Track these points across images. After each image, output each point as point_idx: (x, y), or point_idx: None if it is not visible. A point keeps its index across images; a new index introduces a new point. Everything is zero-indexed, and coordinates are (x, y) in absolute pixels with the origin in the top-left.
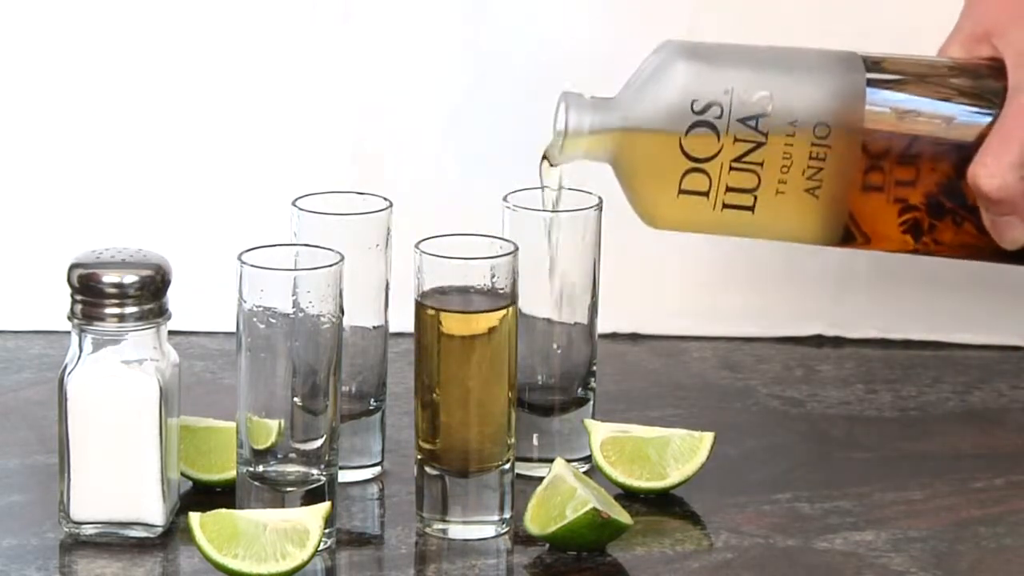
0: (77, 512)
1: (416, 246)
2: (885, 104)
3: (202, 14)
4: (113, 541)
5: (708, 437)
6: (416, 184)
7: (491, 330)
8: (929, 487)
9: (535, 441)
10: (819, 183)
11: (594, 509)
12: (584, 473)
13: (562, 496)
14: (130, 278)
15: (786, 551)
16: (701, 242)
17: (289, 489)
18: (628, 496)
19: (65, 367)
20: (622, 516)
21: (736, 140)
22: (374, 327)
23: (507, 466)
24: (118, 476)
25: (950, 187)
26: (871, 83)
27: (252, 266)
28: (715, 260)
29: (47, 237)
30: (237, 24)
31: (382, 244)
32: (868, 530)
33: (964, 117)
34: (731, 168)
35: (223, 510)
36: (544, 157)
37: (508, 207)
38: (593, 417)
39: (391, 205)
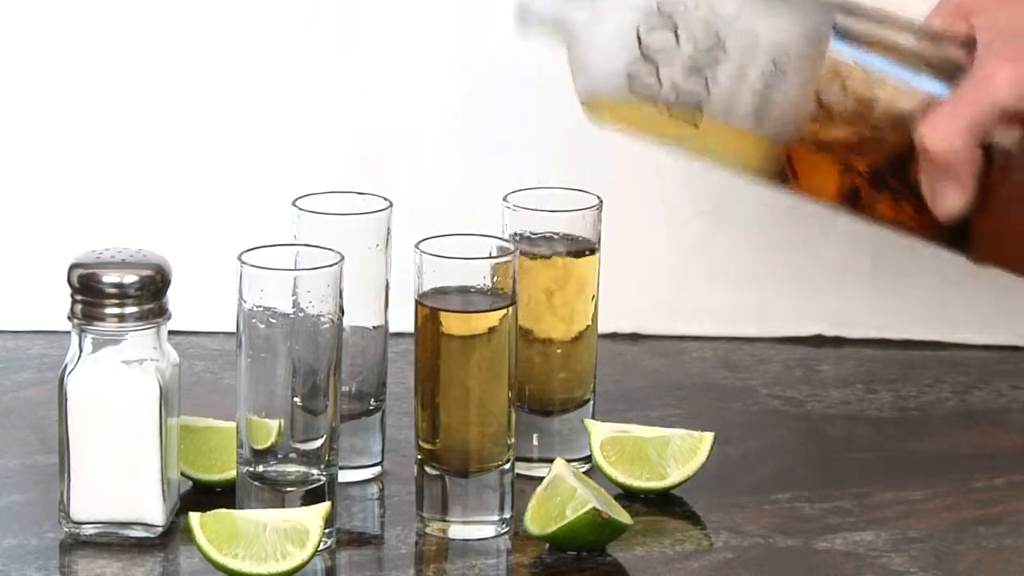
0: (77, 512)
1: (416, 246)
2: (847, 54)
3: (202, 14)
4: (113, 541)
5: (708, 437)
6: (416, 184)
7: (491, 330)
8: (929, 487)
9: (535, 441)
10: (768, 110)
11: (594, 509)
12: (584, 473)
13: (562, 496)
14: (130, 278)
15: (786, 551)
16: (701, 242)
17: (289, 489)
18: (628, 496)
19: (65, 367)
20: (622, 516)
21: (697, 47)
22: (374, 327)
23: (507, 466)
24: (118, 476)
25: (896, 162)
26: (839, 31)
27: (252, 266)
28: (715, 260)
29: (47, 237)
30: (237, 24)
31: (382, 244)
32: (868, 530)
33: (924, 88)
34: (685, 72)
35: (223, 510)
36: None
37: (508, 207)
38: (593, 417)
39: (391, 205)
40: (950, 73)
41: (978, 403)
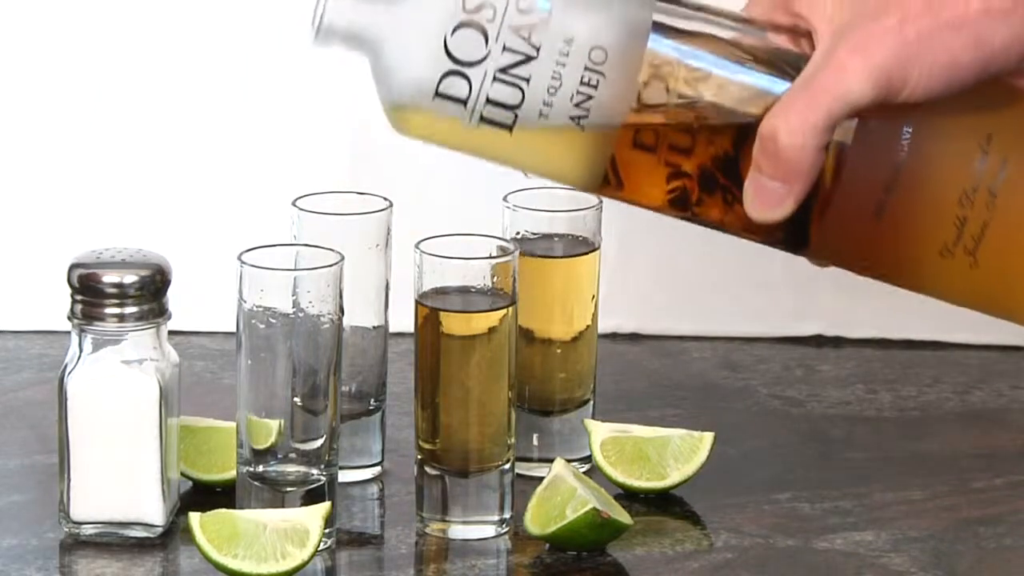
0: (77, 512)
1: (416, 246)
2: (668, 51)
3: (201, 15)
4: (113, 541)
5: (708, 437)
6: (416, 184)
7: (491, 330)
8: (929, 487)
9: (535, 441)
10: (586, 112)
11: (594, 509)
12: (584, 473)
13: (562, 496)
14: (130, 278)
15: (786, 551)
16: (701, 242)
17: (289, 489)
18: (628, 496)
19: (65, 367)
20: (622, 516)
21: (505, 48)
22: (374, 327)
23: (507, 466)
24: (118, 476)
25: (726, 162)
26: (658, 27)
27: (252, 266)
28: (715, 260)
29: (47, 237)
30: (237, 24)
31: (382, 244)
32: (868, 530)
33: (756, 85)
34: (495, 78)
35: (223, 510)
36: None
37: (508, 207)
38: (593, 417)
39: (391, 205)
40: (779, 66)
41: (978, 403)
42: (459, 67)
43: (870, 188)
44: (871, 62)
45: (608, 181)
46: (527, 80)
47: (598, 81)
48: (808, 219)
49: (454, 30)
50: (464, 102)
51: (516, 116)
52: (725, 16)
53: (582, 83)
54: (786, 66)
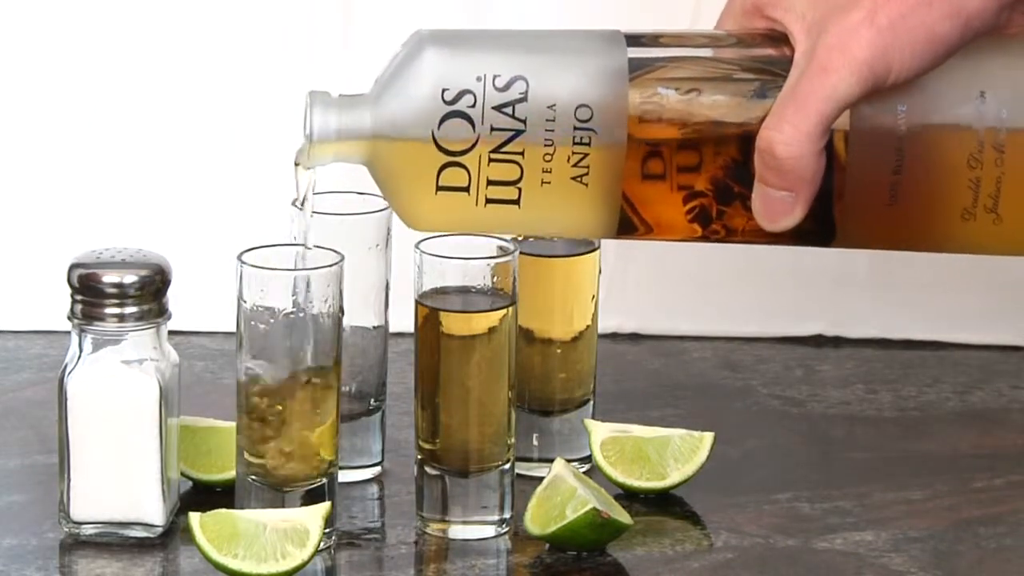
0: (77, 512)
1: (416, 246)
2: (651, 84)
3: (202, 14)
4: (113, 541)
5: (708, 437)
6: None
7: (491, 330)
8: (929, 487)
9: (535, 441)
10: (586, 169)
11: (594, 509)
12: (584, 473)
13: (562, 496)
14: (130, 278)
15: (786, 551)
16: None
17: (289, 489)
18: (628, 496)
19: (65, 367)
20: (622, 516)
21: (493, 129)
22: (374, 327)
23: (507, 466)
24: (118, 476)
25: (737, 170)
26: (636, 61)
27: (252, 266)
28: (715, 260)
29: (47, 237)
30: (237, 24)
31: (382, 244)
32: (868, 530)
33: (746, 93)
34: (490, 160)
35: (223, 510)
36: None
37: None
38: (593, 417)
39: None
40: (763, 70)
41: (978, 403)
42: (453, 157)
43: (879, 173)
44: (851, 58)
45: (627, 223)
46: (521, 154)
47: (590, 138)
48: (831, 212)
49: (440, 123)
50: (466, 189)
51: (520, 190)
52: (699, 36)
53: (575, 143)
54: (772, 67)
